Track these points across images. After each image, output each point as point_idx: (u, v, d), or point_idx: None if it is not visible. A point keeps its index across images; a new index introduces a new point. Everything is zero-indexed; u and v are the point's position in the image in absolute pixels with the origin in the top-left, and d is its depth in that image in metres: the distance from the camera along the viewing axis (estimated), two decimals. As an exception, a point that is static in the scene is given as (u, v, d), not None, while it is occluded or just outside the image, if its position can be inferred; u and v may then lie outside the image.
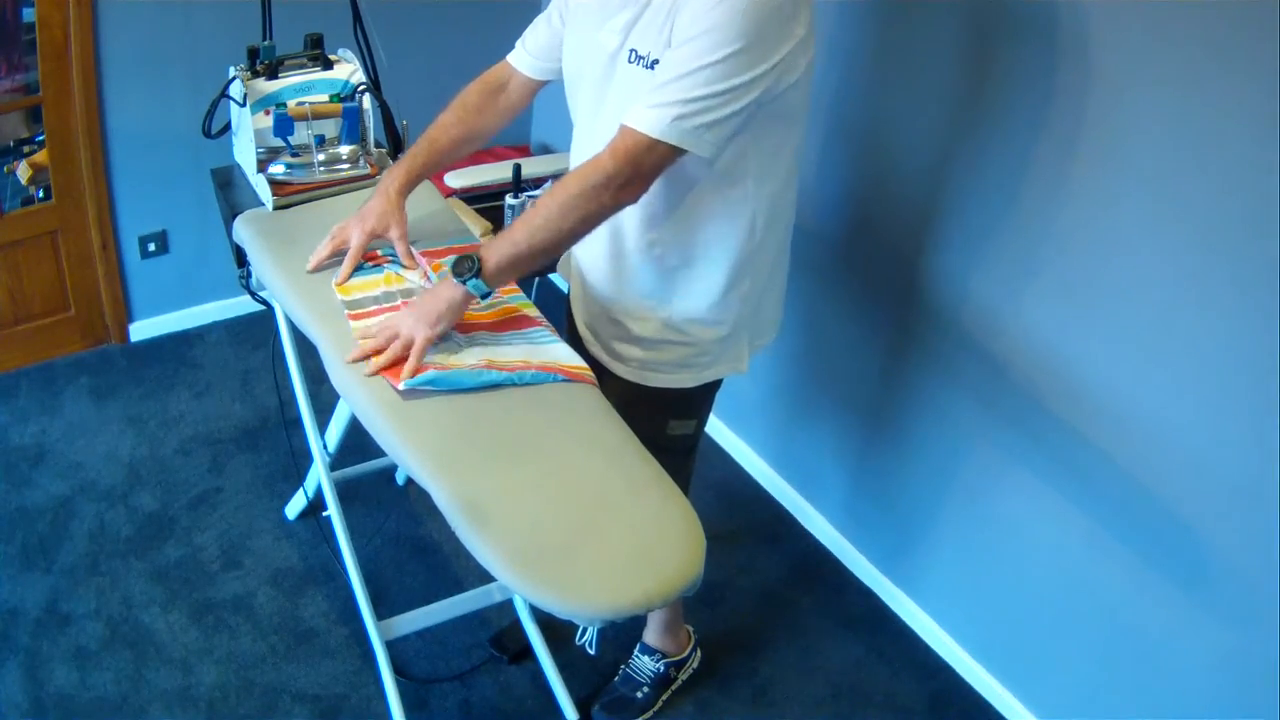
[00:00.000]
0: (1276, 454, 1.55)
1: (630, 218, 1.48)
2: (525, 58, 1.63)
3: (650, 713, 2.07)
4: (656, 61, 1.34)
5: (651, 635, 2.07)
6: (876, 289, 2.19)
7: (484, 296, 1.41)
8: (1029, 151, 1.77)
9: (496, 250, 1.37)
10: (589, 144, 1.50)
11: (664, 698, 2.08)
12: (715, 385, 1.68)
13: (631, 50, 1.38)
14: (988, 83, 1.81)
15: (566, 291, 1.75)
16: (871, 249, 2.17)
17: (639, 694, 2.05)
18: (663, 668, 2.07)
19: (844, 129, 2.14)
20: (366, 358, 1.40)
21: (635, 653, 2.09)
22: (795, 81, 1.36)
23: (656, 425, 1.65)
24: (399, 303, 1.52)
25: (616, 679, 2.08)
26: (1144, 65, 1.57)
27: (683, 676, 2.11)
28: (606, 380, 1.63)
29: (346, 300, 1.53)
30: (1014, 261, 1.86)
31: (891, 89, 2.02)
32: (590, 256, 1.60)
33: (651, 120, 1.30)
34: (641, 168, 1.33)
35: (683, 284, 1.53)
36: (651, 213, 1.47)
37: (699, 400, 1.69)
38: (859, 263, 2.21)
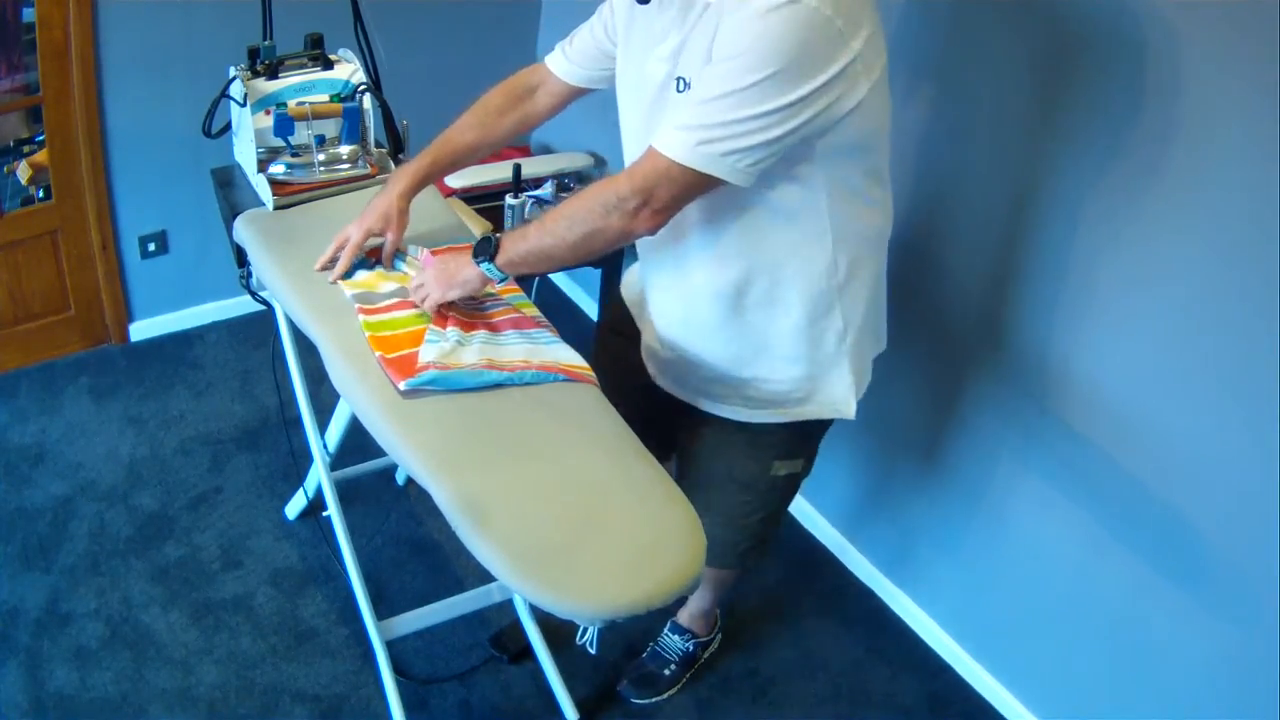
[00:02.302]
0: (1277, 454, 1.54)
1: (697, 258, 1.42)
2: (564, 63, 1.57)
3: (675, 689, 2.10)
4: None
5: (686, 616, 2.11)
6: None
7: (500, 280, 1.44)
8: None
9: (512, 241, 1.40)
10: None
11: (688, 676, 2.13)
12: (819, 425, 1.60)
13: (680, 79, 1.29)
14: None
15: (598, 317, 1.70)
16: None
17: (666, 670, 2.10)
18: (691, 647, 2.12)
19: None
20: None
21: (665, 631, 2.13)
22: (859, 104, 1.24)
23: (759, 465, 1.59)
24: (409, 299, 1.53)
25: (644, 655, 2.12)
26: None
27: (706, 655, 2.16)
28: (704, 420, 1.58)
29: (355, 294, 1.53)
30: (1023, 270, 1.86)
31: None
32: (660, 304, 1.54)
33: (673, 143, 1.23)
34: (657, 193, 1.25)
35: (761, 323, 1.45)
36: (719, 253, 1.39)
37: (804, 440, 1.62)
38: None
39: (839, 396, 1.53)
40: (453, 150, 1.63)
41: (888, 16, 1.94)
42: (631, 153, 1.45)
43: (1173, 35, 1.50)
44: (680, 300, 1.49)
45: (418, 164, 1.61)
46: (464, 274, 1.45)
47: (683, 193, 1.27)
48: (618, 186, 1.28)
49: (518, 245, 1.39)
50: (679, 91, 1.30)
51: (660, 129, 1.26)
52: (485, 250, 1.42)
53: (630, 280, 1.73)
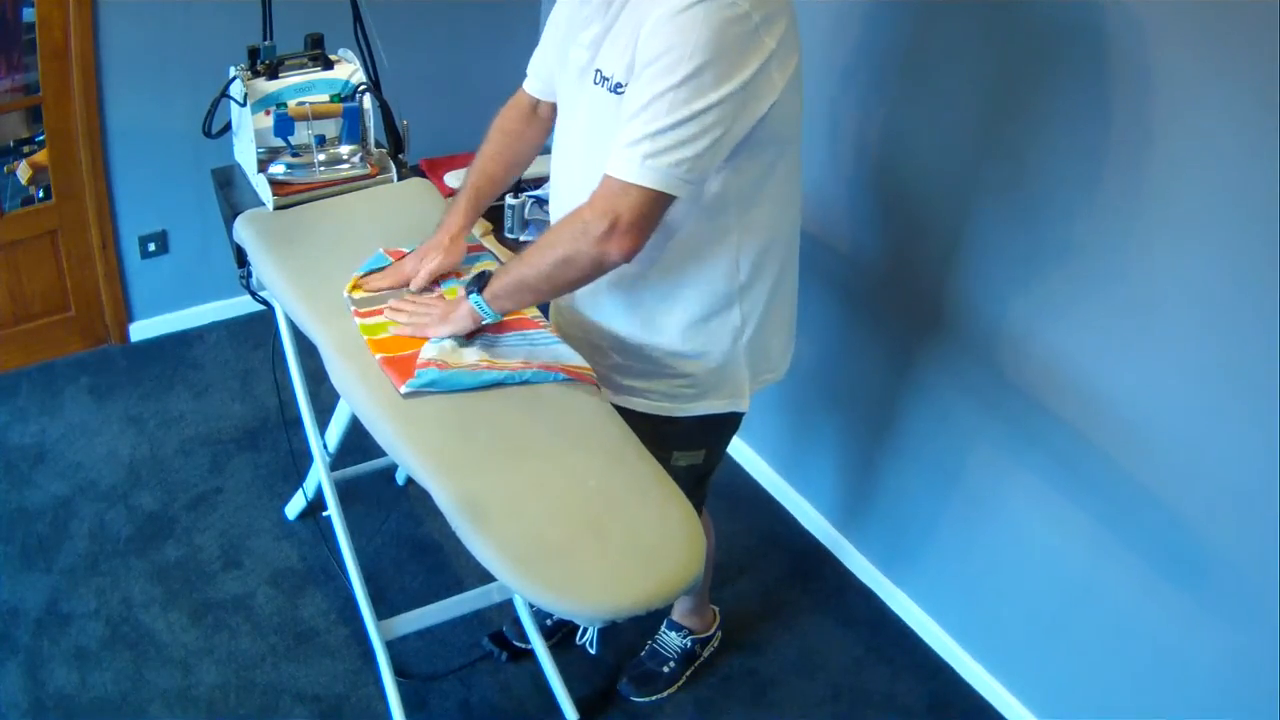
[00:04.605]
0: (1277, 454, 1.55)
1: None
2: (534, 81, 1.60)
3: (675, 687, 2.10)
4: (619, 85, 1.28)
5: (679, 613, 2.11)
6: (878, 291, 2.19)
7: (490, 317, 1.42)
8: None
9: (498, 276, 1.40)
10: (558, 165, 1.50)
11: (688, 673, 2.12)
12: (723, 420, 1.60)
13: (597, 70, 1.32)
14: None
15: None
16: (874, 252, 2.17)
17: (665, 668, 2.10)
18: (689, 644, 2.11)
19: (857, 134, 2.12)
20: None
21: (662, 629, 2.13)
22: (776, 102, 1.27)
23: (660, 455, 1.54)
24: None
25: (643, 653, 2.13)
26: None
27: (706, 653, 2.16)
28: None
29: (355, 299, 1.54)
30: (1019, 267, 1.86)
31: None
32: None
33: (623, 163, 1.24)
34: (620, 214, 1.25)
35: (660, 317, 1.47)
36: None
37: (703, 433, 1.61)
38: (861, 265, 2.21)
39: (734, 391, 1.55)
40: (489, 178, 1.63)
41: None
42: (559, 139, 1.49)
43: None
44: (584, 287, 1.49)
45: (464, 199, 1.61)
46: (459, 310, 1.44)
47: (645, 210, 1.26)
48: (582, 214, 1.29)
49: (500, 278, 1.39)
50: (595, 84, 1.33)
51: (609, 153, 1.26)
52: (478, 284, 1.42)
53: None
